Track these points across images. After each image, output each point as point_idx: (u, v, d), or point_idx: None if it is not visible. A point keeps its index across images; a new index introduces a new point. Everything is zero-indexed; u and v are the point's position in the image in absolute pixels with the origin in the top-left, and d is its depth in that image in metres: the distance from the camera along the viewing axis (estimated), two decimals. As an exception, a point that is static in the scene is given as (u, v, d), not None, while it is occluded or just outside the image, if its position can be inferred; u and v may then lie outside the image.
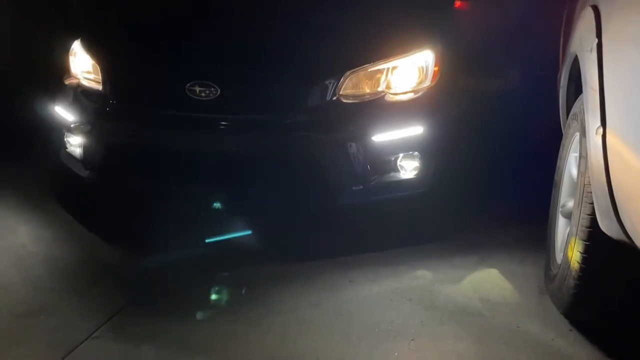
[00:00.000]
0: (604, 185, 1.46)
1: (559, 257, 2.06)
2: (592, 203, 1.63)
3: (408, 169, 2.53)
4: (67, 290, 2.20)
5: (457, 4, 3.80)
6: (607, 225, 1.52)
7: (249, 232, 2.49)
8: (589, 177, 1.64)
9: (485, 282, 2.28)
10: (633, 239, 1.35)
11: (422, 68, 2.53)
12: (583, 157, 1.74)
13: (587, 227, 1.67)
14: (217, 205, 2.52)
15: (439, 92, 2.57)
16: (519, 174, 3.08)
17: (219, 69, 2.41)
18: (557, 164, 2.29)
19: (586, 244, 1.68)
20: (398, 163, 2.52)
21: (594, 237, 1.64)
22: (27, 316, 2.01)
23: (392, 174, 2.52)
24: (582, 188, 1.71)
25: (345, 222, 2.62)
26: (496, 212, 2.81)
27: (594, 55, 1.58)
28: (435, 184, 2.59)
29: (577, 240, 1.72)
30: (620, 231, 1.44)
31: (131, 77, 2.59)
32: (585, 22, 1.83)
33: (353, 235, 2.58)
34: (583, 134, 1.76)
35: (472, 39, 3.51)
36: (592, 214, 1.64)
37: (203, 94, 2.38)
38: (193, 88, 2.38)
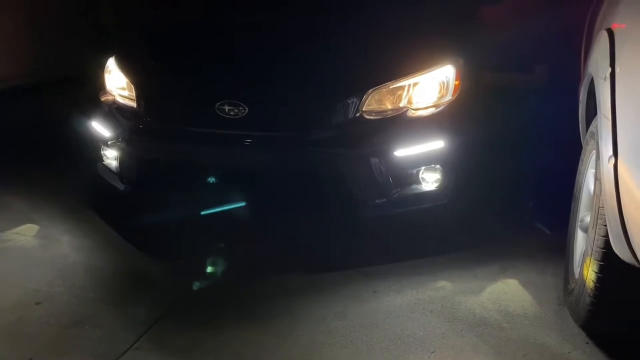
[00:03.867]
0: (616, 212, 1.52)
1: (576, 271, 2.12)
2: (606, 225, 1.69)
3: (430, 181, 2.61)
4: (108, 300, 2.35)
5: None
6: (619, 249, 1.58)
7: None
8: (602, 200, 1.70)
9: (506, 292, 2.36)
10: (642, 267, 1.42)
11: (443, 83, 2.60)
12: (598, 179, 1.80)
13: (601, 248, 1.73)
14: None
15: (460, 106, 2.63)
16: (541, 182, 3.14)
17: (247, 89, 2.52)
18: (577, 178, 2.34)
19: (601, 264, 1.74)
20: (420, 176, 2.60)
21: (608, 258, 1.70)
22: (72, 326, 2.16)
23: (414, 186, 2.61)
24: (597, 210, 1.77)
25: (369, 233, 2.72)
26: (518, 221, 2.88)
27: (607, 83, 1.64)
28: (457, 195, 2.66)
29: (592, 260, 1.79)
30: (632, 257, 1.50)
31: (164, 96, 2.71)
32: (600, 46, 1.88)
33: (377, 245, 2.68)
34: (598, 156, 1.81)
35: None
36: (607, 236, 1.70)
37: (232, 113, 2.49)
38: (222, 107, 2.49)
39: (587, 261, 1.83)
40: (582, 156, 2.30)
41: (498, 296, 2.32)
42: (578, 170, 2.34)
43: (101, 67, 3.08)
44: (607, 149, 1.58)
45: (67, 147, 3.55)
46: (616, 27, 1.80)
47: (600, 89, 1.73)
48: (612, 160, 1.52)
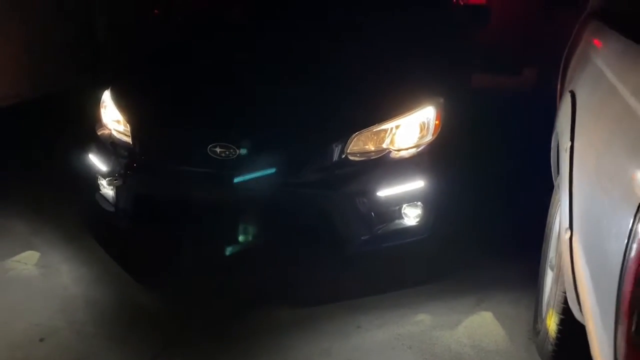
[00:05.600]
0: (570, 278, 1.67)
1: (544, 310, 2.27)
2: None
3: (411, 216, 2.75)
4: (107, 336, 2.49)
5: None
6: (575, 311, 1.73)
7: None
8: (562, 260, 1.84)
9: (480, 326, 2.52)
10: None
11: (424, 124, 2.73)
12: (560, 238, 1.94)
13: (562, 303, 1.88)
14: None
15: (440, 145, 2.76)
16: (519, 210, 3.29)
17: (238, 132, 2.64)
18: (547, 219, 2.49)
19: (562, 318, 1.89)
20: (402, 212, 2.74)
21: (568, 313, 1.85)
22: (76, 364, 2.32)
23: (396, 221, 2.75)
24: (558, 267, 1.92)
25: (353, 267, 2.87)
26: (495, 250, 3.03)
27: (567, 156, 1.77)
28: (437, 228, 2.81)
29: (554, 313, 1.94)
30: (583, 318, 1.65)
31: (158, 137, 2.84)
32: (564, 111, 2.01)
33: (361, 278, 2.83)
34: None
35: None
36: (566, 293, 1.85)
37: (223, 154, 2.62)
38: (214, 149, 2.62)
39: (550, 312, 1.98)
40: (552, 199, 2.44)
41: (473, 330, 2.48)
42: (549, 212, 2.47)
43: (96, 101, 3.19)
44: (565, 219, 1.73)
45: (66, 168, 3.60)
46: (577, 91, 1.93)
47: (562, 158, 1.87)
48: (569, 233, 1.66)
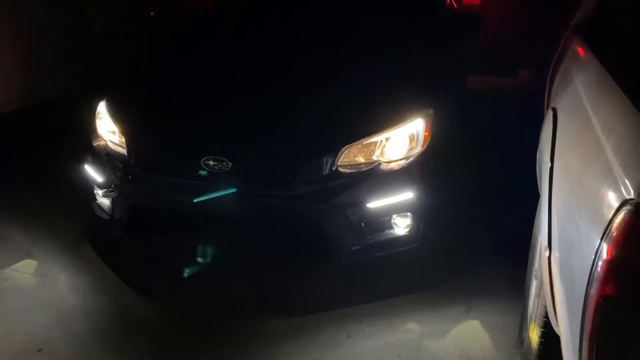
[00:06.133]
0: (549, 293, 1.72)
1: (529, 320, 2.33)
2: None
3: (401, 226, 2.81)
4: (103, 346, 2.55)
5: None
6: (554, 325, 1.79)
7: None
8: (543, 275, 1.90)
9: (468, 335, 2.58)
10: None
11: (413, 136, 2.78)
12: (541, 252, 1.99)
13: (543, 317, 1.94)
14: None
15: (429, 156, 2.81)
16: (509, 218, 3.35)
17: (230, 146, 2.69)
18: (533, 229, 2.54)
19: (543, 331, 1.95)
20: (392, 222, 2.80)
21: (549, 327, 1.91)
22: (72, 376, 2.38)
23: (386, 231, 2.80)
24: (540, 280, 1.98)
25: (345, 274, 2.92)
26: (484, 259, 3.09)
27: (547, 176, 1.82)
28: (427, 238, 2.87)
29: (535, 326, 2.00)
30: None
31: (152, 149, 2.88)
32: (547, 128, 2.06)
33: (353, 286, 2.89)
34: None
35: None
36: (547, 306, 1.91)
37: (216, 167, 2.67)
38: (208, 162, 2.68)
39: (532, 325, 2.04)
40: (538, 209, 2.49)
41: (461, 339, 2.54)
42: (535, 223, 2.53)
43: (92, 113, 3.23)
44: (543, 237, 1.78)
45: (63, 177, 3.62)
46: (559, 109, 1.97)
47: (543, 178, 1.92)
48: (547, 253, 1.71)
